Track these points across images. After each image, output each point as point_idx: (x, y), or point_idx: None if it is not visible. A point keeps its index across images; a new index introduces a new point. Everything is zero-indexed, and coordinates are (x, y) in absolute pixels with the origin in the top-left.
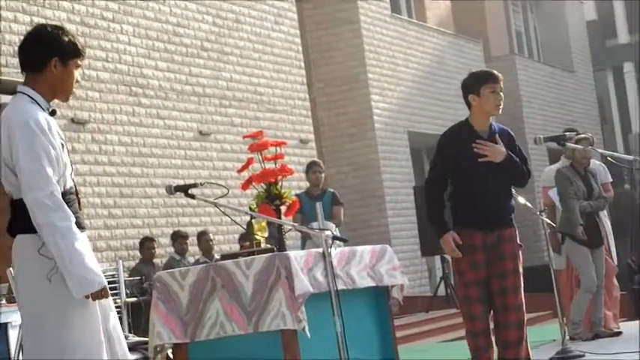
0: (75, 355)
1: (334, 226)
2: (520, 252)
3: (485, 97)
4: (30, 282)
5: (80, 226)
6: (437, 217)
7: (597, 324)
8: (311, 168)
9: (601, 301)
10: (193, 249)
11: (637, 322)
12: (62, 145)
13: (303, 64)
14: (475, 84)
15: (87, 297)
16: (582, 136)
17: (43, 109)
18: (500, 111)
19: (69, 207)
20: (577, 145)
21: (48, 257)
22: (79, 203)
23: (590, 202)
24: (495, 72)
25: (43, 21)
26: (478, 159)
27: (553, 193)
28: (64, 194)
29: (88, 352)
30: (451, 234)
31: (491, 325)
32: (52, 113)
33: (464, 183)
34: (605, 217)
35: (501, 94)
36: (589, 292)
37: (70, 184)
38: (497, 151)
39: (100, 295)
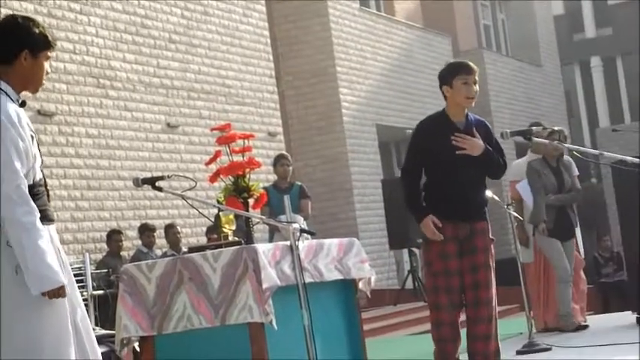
0: (43, 345)
1: (302, 219)
2: (492, 246)
3: (457, 88)
4: None
5: (49, 219)
6: (415, 203)
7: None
8: (278, 161)
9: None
10: (161, 242)
11: (604, 315)
12: (32, 137)
13: (271, 57)
14: (448, 75)
15: (44, 295)
16: (556, 128)
17: (12, 101)
18: (473, 103)
19: (37, 199)
20: (542, 140)
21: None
22: (48, 196)
23: (559, 196)
24: (470, 63)
25: (9, 12)
26: (455, 151)
27: (520, 187)
28: (32, 186)
29: (56, 343)
30: (430, 217)
31: (462, 318)
32: (22, 105)
33: (438, 173)
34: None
35: (475, 86)
36: (565, 282)
37: (39, 176)
38: (475, 145)
39: (57, 293)
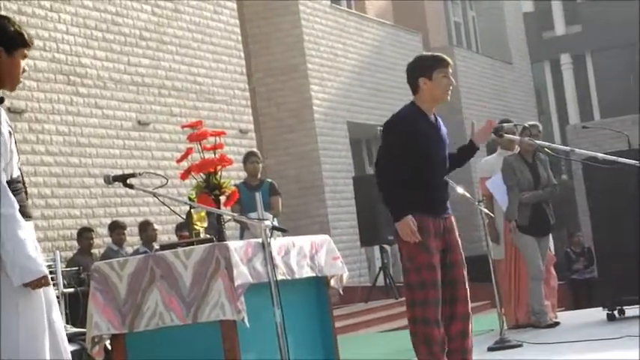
0: (18, 340)
1: (272, 216)
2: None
3: (438, 81)
4: None
5: (27, 215)
6: (396, 199)
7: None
8: (248, 159)
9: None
10: (132, 239)
11: (575, 311)
12: (10, 132)
13: (242, 54)
14: (427, 67)
15: (26, 285)
16: (530, 123)
17: None
18: (449, 97)
19: (15, 195)
20: (512, 136)
21: None
22: (26, 192)
23: (534, 193)
24: (446, 56)
25: None
26: (432, 145)
27: (490, 184)
28: (10, 183)
29: (32, 338)
30: (410, 218)
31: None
32: (0, 101)
33: (417, 167)
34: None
35: (452, 79)
36: (537, 279)
37: (16, 172)
38: (488, 136)
39: (39, 283)
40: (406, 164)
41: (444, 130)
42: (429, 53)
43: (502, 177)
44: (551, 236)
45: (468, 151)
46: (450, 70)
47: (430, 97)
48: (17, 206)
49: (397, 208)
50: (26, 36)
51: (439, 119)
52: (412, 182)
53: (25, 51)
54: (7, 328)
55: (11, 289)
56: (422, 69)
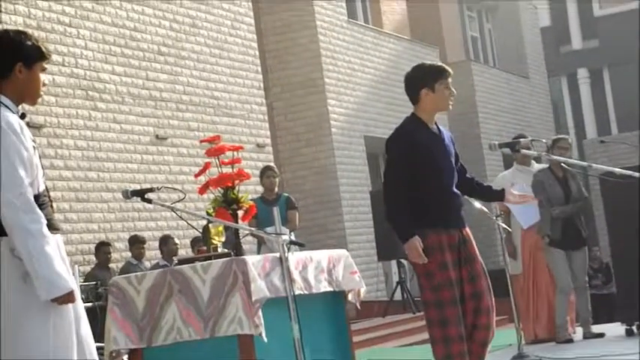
0: (49, 354)
1: (288, 230)
2: None
3: (440, 92)
4: (5, 283)
5: (55, 228)
6: (401, 220)
7: (584, 324)
8: (265, 173)
9: (582, 301)
10: (150, 254)
11: (593, 326)
12: (34, 147)
13: (259, 69)
14: (429, 78)
15: (53, 301)
16: (561, 136)
17: (13, 113)
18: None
19: (42, 209)
20: (529, 152)
21: (21, 259)
22: (52, 206)
23: (564, 208)
24: (447, 67)
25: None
26: (441, 157)
27: None
28: (37, 197)
29: (62, 352)
30: (417, 239)
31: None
32: (22, 117)
33: (427, 181)
34: None
35: (453, 89)
36: (563, 292)
37: (42, 186)
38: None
39: (66, 299)
40: (412, 179)
41: (447, 139)
42: (429, 63)
43: (533, 193)
44: (587, 249)
45: (494, 195)
46: (451, 80)
47: (432, 107)
48: (44, 221)
49: (402, 229)
50: (44, 49)
51: (442, 129)
52: (420, 196)
53: (44, 64)
54: (39, 342)
55: (43, 303)
56: (423, 80)
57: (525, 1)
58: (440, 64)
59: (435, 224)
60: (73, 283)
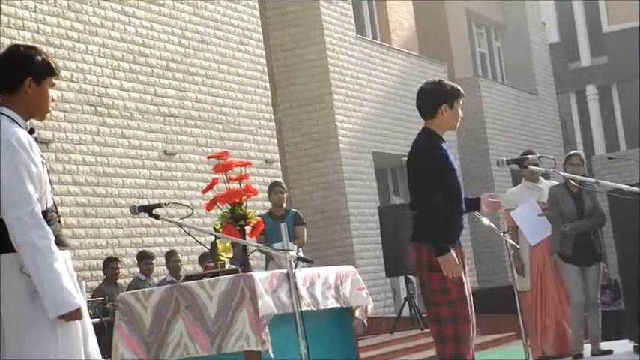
0: None
1: (296, 246)
2: None
3: (456, 111)
4: (13, 300)
5: (63, 244)
6: (443, 233)
7: (593, 340)
8: (273, 189)
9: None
10: (158, 269)
11: (601, 343)
12: (43, 163)
13: (268, 85)
14: (451, 95)
15: (61, 317)
16: (573, 152)
17: (22, 128)
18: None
19: (50, 225)
20: (537, 168)
21: (30, 275)
22: (60, 222)
23: (575, 224)
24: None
25: (8, 41)
26: (457, 174)
27: (515, 214)
28: (45, 213)
29: None
30: (453, 252)
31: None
32: (31, 132)
33: (453, 197)
34: None
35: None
36: (575, 308)
37: (50, 202)
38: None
39: (74, 316)
40: (443, 192)
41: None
42: (449, 82)
43: (547, 208)
44: (601, 265)
45: (472, 206)
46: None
47: (446, 124)
48: (53, 237)
49: (440, 242)
50: (53, 64)
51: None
52: (445, 212)
53: (53, 80)
54: (47, 358)
55: (50, 320)
56: (445, 96)
57: (534, 18)
58: (458, 85)
59: (452, 239)
60: (81, 300)
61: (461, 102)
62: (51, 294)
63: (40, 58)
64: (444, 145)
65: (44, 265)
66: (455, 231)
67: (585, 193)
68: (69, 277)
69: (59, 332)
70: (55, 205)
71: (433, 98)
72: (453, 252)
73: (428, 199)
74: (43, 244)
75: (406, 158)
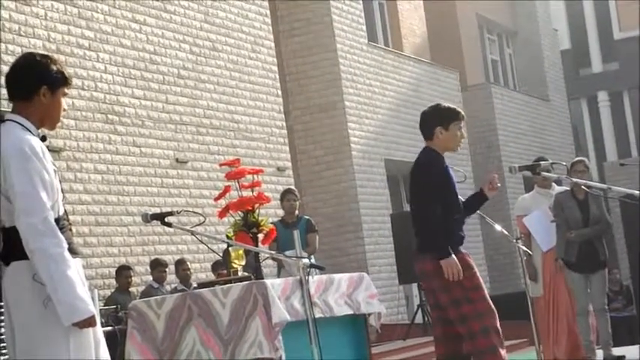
0: None
1: (308, 254)
2: None
3: (453, 133)
4: (25, 308)
5: (75, 252)
6: (444, 239)
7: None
8: (285, 196)
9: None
10: (171, 277)
11: (614, 349)
12: (54, 171)
13: (280, 92)
14: (445, 118)
15: (74, 325)
16: (578, 159)
17: (35, 136)
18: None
19: (62, 233)
20: (549, 174)
21: (42, 283)
22: (71, 230)
23: (580, 231)
24: (462, 111)
25: (19, 49)
26: (455, 187)
27: (527, 221)
28: (57, 220)
29: None
30: (454, 257)
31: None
32: (43, 139)
33: (452, 208)
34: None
35: (464, 132)
36: (580, 315)
37: (62, 210)
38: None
39: (87, 323)
40: (442, 203)
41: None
42: (447, 104)
43: (553, 214)
44: (606, 272)
45: (478, 199)
46: (463, 124)
47: (443, 145)
48: (66, 245)
49: (445, 247)
50: (67, 74)
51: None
52: (450, 222)
53: (66, 90)
54: None
55: (63, 327)
56: (440, 118)
57: (545, 24)
58: (456, 107)
59: (458, 246)
60: (93, 308)
61: (460, 124)
62: (64, 302)
63: (55, 68)
64: (443, 161)
65: (57, 273)
66: (455, 240)
67: (592, 200)
68: (82, 285)
69: (71, 340)
70: (66, 212)
71: (429, 122)
72: (454, 257)
73: (428, 211)
74: (56, 252)
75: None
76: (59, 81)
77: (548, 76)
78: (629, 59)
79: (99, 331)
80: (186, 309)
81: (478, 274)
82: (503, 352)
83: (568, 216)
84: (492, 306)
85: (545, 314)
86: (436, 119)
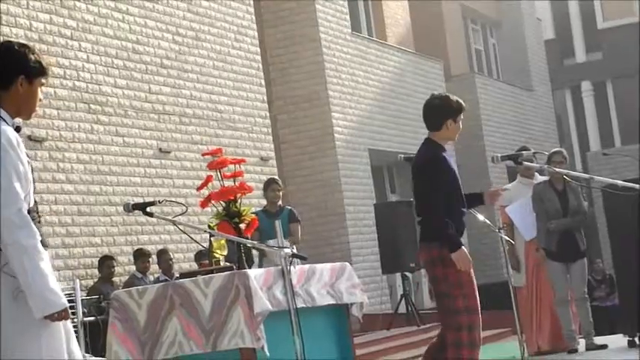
0: None
1: (290, 243)
2: None
3: (458, 125)
4: None
5: (44, 245)
6: (453, 232)
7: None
8: (269, 186)
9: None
10: (155, 267)
11: (595, 338)
12: (28, 162)
13: (263, 82)
14: (456, 111)
15: (47, 317)
16: (556, 150)
17: (9, 126)
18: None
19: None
20: (531, 164)
21: (12, 275)
22: (40, 222)
23: (560, 221)
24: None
25: (0, 38)
26: (457, 178)
27: (509, 211)
28: (28, 212)
29: None
30: (465, 249)
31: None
32: (17, 130)
33: (455, 201)
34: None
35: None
36: (560, 304)
37: (32, 201)
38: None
39: (60, 316)
40: (447, 198)
41: None
42: (455, 97)
43: (531, 205)
44: (585, 261)
45: (476, 200)
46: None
47: (448, 136)
48: (39, 237)
49: (455, 239)
50: (45, 65)
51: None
52: (451, 215)
53: (43, 80)
54: (32, 358)
55: (34, 319)
56: (451, 111)
57: (529, 14)
58: (462, 101)
59: (461, 237)
60: (66, 300)
61: (462, 116)
62: (38, 294)
63: (33, 57)
64: (445, 155)
65: (31, 266)
66: (459, 230)
67: (570, 190)
68: (54, 278)
69: (43, 332)
70: (36, 204)
71: (440, 113)
72: (464, 248)
73: (436, 204)
74: (29, 244)
75: (403, 156)
76: (36, 71)
77: (532, 66)
78: (612, 49)
79: (69, 322)
80: (168, 299)
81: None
82: (473, 352)
83: (548, 207)
84: (474, 304)
85: (528, 304)
86: (448, 111)
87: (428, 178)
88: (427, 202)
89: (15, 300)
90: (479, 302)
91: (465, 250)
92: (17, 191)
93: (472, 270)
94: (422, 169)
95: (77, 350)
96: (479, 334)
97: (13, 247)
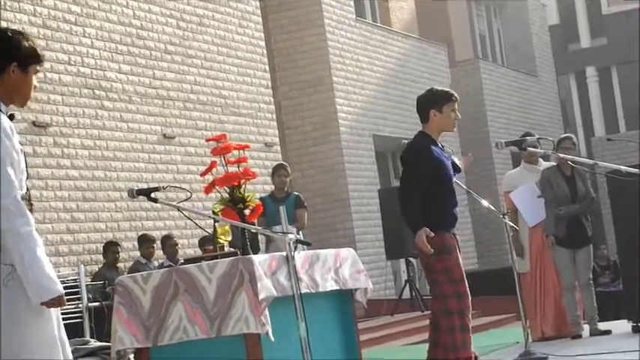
0: (34, 356)
1: (296, 229)
2: None
3: (447, 115)
4: None
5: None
6: (416, 217)
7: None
8: (277, 171)
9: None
10: (159, 253)
11: (600, 323)
12: (21, 150)
13: (267, 68)
14: (439, 101)
15: (43, 304)
16: (565, 135)
17: (2, 113)
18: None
19: None
20: (535, 150)
21: (3, 263)
22: (32, 210)
23: (569, 207)
24: (455, 93)
25: (4, 24)
26: (450, 170)
27: (513, 196)
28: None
29: (47, 355)
30: (425, 229)
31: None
32: (11, 117)
33: (441, 191)
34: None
35: (458, 114)
36: (567, 290)
37: (25, 189)
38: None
39: (56, 303)
40: (429, 189)
41: (447, 154)
42: (441, 88)
43: (540, 190)
44: (591, 247)
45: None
46: (457, 106)
47: (438, 127)
48: (34, 224)
49: (416, 222)
50: (39, 52)
51: (443, 144)
52: (437, 204)
53: (38, 67)
54: (24, 345)
55: (26, 306)
56: (434, 101)
57: None
58: (450, 90)
59: (449, 228)
60: (61, 287)
61: (454, 106)
62: (34, 281)
63: (26, 44)
64: (434, 147)
65: (27, 253)
66: (449, 222)
67: (577, 175)
68: (50, 264)
69: (35, 319)
70: (28, 190)
71: (423, 105)
72: (425, 230)
73: (409, 191)
74: (25, 231)
75: (406, 141)
76: (30, 58)
77: (537, 52)
78: (617, 34)
79: (59, 311)
80: (173, 284)
81: (457, 257)
82: (466, 335)
83: (557, 192)
84: (463, 289)
85: (532, 290)
86: (430, 102)
87: (406, 168)
88: (404, 190)
89: (5, 287)
90: (467, 287)
91: (427, 230)
92: (12, 179)
93: (460, 255)
94: (402, 159)
95: (66, 339)
96: (469, 318)
97: (10, 234)
